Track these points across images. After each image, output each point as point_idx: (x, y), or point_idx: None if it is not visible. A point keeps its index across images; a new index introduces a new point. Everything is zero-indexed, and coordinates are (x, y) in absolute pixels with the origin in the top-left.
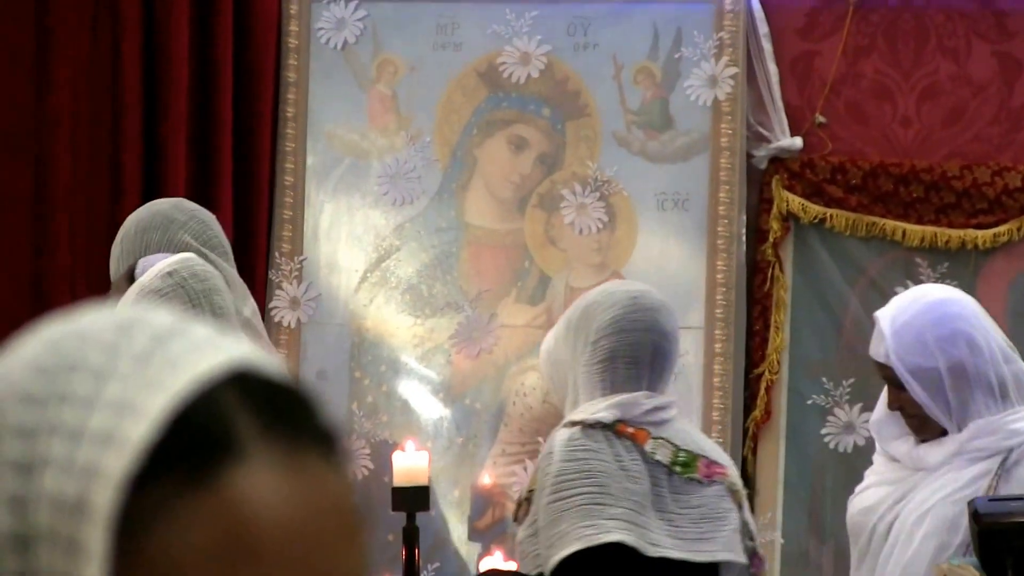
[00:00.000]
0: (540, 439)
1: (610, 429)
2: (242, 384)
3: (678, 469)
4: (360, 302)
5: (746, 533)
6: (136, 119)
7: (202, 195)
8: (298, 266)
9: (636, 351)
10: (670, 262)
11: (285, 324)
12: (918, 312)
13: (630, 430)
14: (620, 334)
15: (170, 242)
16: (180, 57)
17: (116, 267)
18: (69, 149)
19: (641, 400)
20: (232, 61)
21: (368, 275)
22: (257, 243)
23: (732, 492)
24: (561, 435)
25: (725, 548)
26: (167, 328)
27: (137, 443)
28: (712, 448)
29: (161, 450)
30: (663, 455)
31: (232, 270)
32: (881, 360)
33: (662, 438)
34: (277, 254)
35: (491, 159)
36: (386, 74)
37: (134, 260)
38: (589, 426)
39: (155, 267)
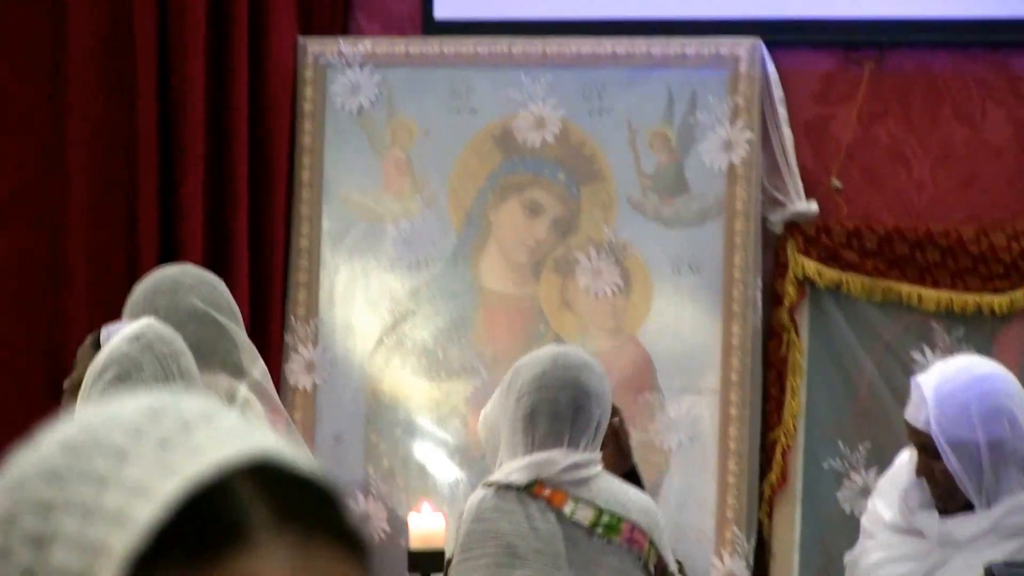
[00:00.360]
0: None
1: (525, 491)
2: (262, 475)
3: (599, 531)
4: (376, 365)
5: None
6: (152, 184)
7: (218, 259)
8: (313, 329)
9: (556, 407)
10: (685, 326)
11: (300, 387)
12: (965, 384)
13: (547, 491)
14: (541, 391)
15: (178, 306)
16: (195, 121)
17: None
18: (84, 215)
19: (557, 458)
20: (247, 125)
21: (384, 339)
22: (272, 306)
23: (647, 564)
24: (474, 497)
25: None
26: (196, 416)
27: (143, 523)
28: (639, 508)
29: (168, 532)
30: (583, 516)
31: (241, 332)
32: (919, 427)
33: (583, 499)
34: (292, 317)
35: (506, 223)
36: (401, 138)
37: None
38: (503, 487)
39: (121, 332)
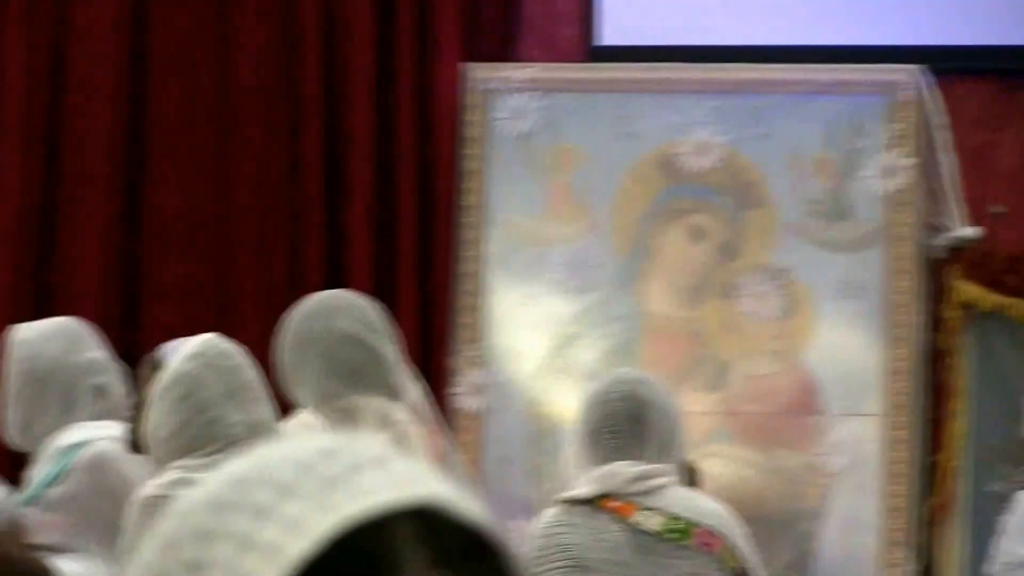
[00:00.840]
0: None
1: (591, 504)
2: (424, 519)
3: (670, 536)
4: (541, 388)
5: None
6: (318, 210)
7: (385, 284)
8: (480, 353)
9: (615, 421)
10: (847, 350)
11: (467, 410)
12: None
13: (614, 503)
14: (600, 407)
15: (332, 330)
16: (362, 148)
17: (279, 359)
18: (253, 243)
19: (622, 470)
20: (413, 153)
21: (549, 361)
22: (438, 330)
23: (723, 566)
24: (543, 515)
25: None
26: (369, 458)
27: (293, 557)
28: (713, 513)
29: (318, 567)
30: (652, 523)
31: (394, 354)
32: None
33: (653, 507)
34: (459, 341)
35: (669, 248)
36: (564, 163)
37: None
38: (569, 502)
39: (181, 351)
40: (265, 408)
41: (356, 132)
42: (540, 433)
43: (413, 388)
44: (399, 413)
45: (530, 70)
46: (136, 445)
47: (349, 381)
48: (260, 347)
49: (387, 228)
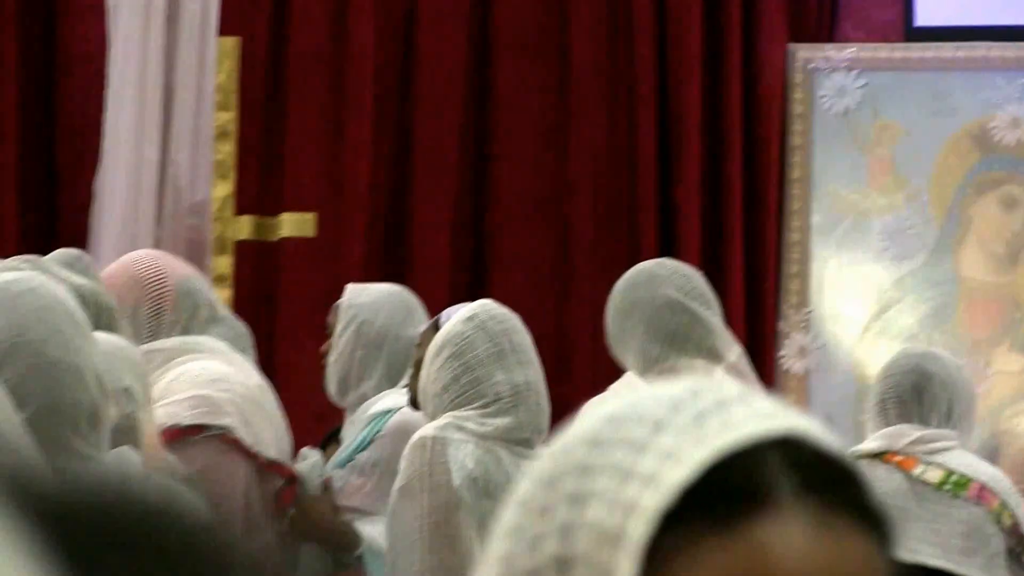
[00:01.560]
0: None
1: (876, 457)
2: (790, 449)
3: (947, 487)
4: (863, 350)
5: (1015, 564)
6: (650, 184)
7: (714, 253)
8: (804, 318)
9: (900, 391)
10: None
11: (792, 372)
12: None
13: (898, 458)
14: (888, 378)
15: (655, 297)
16: (693, 126)
17: (607, 325)
18: (589, 212)
19: (906, 431)
20: (741, 129)
21: (870, 325)
22: (766, 296)
23: (999, 520)
24: None
25: (984, 569)
26: (732, 396)
27: (674, 485)
28: (991, 475)
29: (696, 494)
30: (931, 476)
31: (716, 318)
32: None
33: (934, 463)
34: (785, 306)
35: (983, 217)
36: (884, 138)
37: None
38: (856, 455)
39: (457, 315)
40: (532, 371)
41: (687, 110)
42: (861, 393)
43: (733, 351)
44: (720, 375)
45: (851, 50)
46: (414, 401)
47: (671, 345)
48: (597, 314)
49: (716, 201)
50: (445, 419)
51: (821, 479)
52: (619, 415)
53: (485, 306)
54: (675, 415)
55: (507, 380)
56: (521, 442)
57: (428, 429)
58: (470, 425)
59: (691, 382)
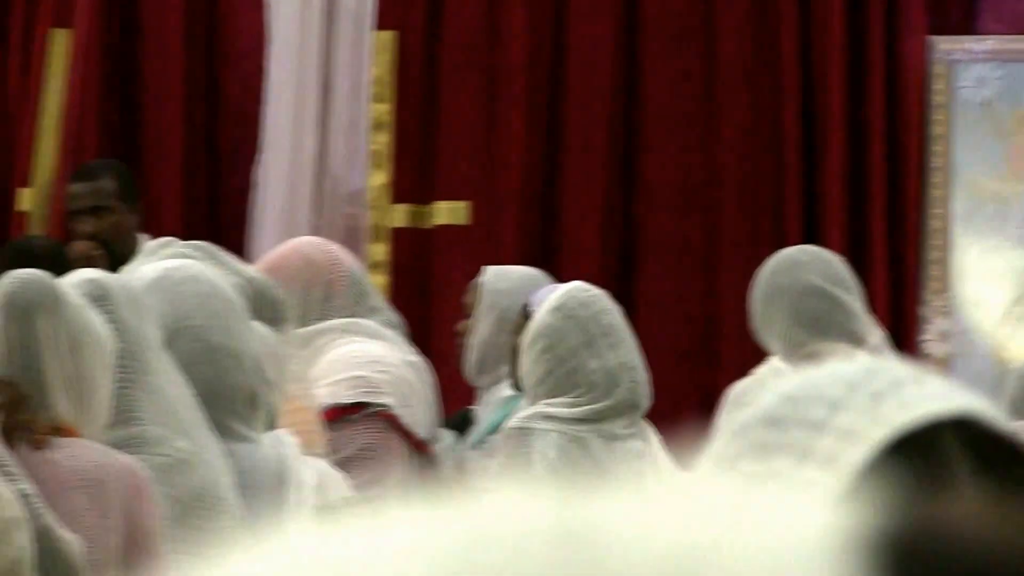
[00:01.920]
0: None
1: None
2: (967, 430)
3: None
4: (1002, 335)
5: None
6: (794, 174)
7: (857, 240)
8: (946, 303)
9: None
10: None
11: (935, 355)
12: None
13: None
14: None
15: (796, 283)
16: (836, 116)
17: (752, 310)
18: (735, 201)
19: None
20: (883, 119)
21: (1010, 310)
22: (908, 282)
23: None
24: None
25: None
26: (906, 376)
27: (851, 465)
28: None
29: (874, 474)
30: None
31: (857, 303)
32: None
33: None
34: (926, 292)
35: None
36: (1023, 127)
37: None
38: None
39: (545, 304)
40: (623, 350)
41: (830, 101)
42: (1002, 376)
43: (875, 335)
44: (862, 359)
45: (990, 42)
46: (517, 386)
47: (813, 330)
48: (743, 300)
49: (859, 189)
50: (534, 408)
51: (997, 459)
52: (796, 394)
53: (571, 292)
54: (852, 395)
55: (600, 367)
56: (614, 423)
57: (514, 420)
58: (560, 412)
59: (867, 362)
